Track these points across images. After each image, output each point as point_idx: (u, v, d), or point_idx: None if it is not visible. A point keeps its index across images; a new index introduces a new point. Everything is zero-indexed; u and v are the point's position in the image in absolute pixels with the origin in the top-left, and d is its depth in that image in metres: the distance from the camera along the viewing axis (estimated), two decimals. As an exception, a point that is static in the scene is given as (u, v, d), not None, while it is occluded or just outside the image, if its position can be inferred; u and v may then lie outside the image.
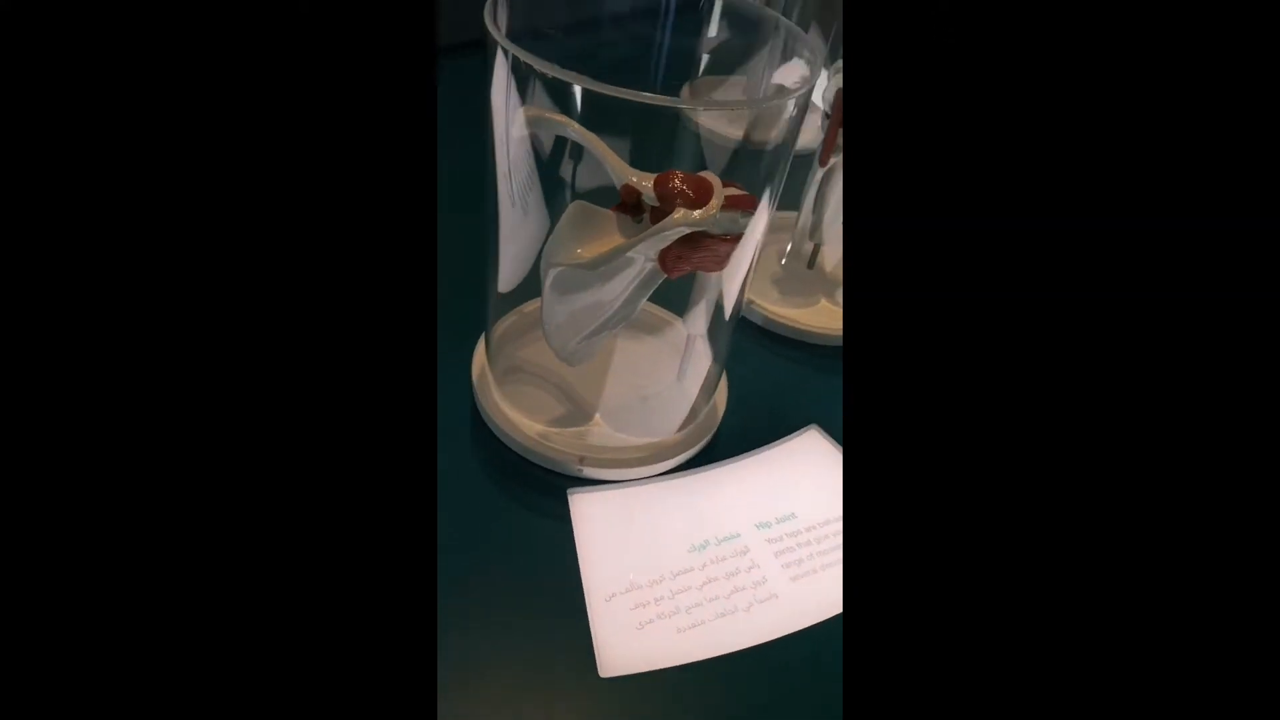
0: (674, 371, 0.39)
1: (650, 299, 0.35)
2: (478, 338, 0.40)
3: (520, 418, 0.37)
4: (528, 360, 0.40)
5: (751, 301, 0.46)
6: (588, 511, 0.35)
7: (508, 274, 0.34)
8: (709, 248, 0.32)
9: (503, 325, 0.40)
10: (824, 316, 0.46)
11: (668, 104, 0.27)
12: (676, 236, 0.30)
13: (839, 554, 0.35)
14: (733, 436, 0.40)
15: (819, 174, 0.43)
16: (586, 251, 0.30)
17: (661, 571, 0.33)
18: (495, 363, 0.39)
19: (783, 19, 0.30)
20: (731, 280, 0.34)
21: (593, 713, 0.29)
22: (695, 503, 0.36)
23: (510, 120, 0.29)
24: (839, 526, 0.36)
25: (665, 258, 0.32)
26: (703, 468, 0.38)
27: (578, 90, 0.27)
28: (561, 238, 0.30)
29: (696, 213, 0.29)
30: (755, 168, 0.31)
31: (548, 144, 0.30)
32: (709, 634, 0.31)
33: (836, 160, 0.42)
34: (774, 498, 0.37)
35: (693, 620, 0.32)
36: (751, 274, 0.35)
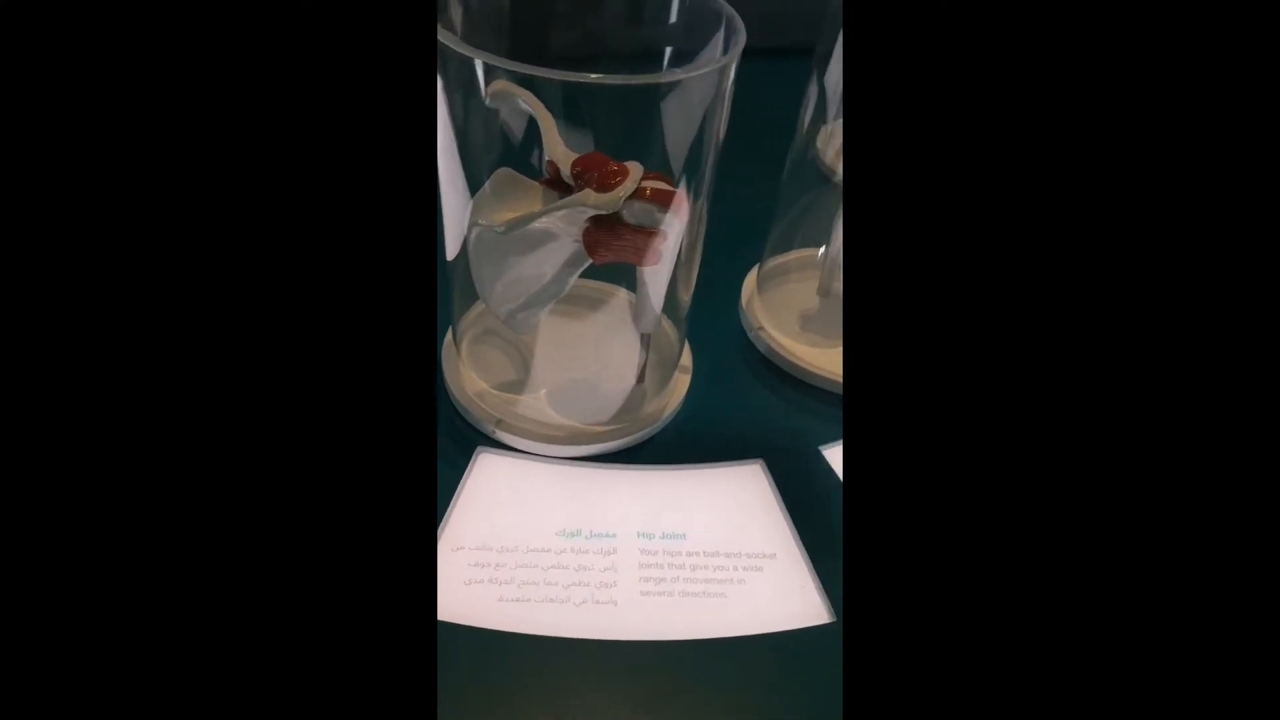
0: (611, 361, 0.39)
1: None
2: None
3: (469, 375, 0.39)
4: (501, 326, 0.42)
5: (762, 329, 0.44)
6: (486, 471, 0.36)
7: (449, 240, 0.36)
8: (626, 237, 0.32)
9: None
10: (834, 360, 0.43)
11: (559, 77, 0.27)
12: (583, 215, 0.31)
13: (705, 586, 0.33)
14: (671, 446, 0.39)
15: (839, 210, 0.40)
16: (505, 216, 0.32)
17: (519, 544, 0.33)
18: (474, 323, 0.41)
19: (727, 6, 0.30)
20: (656, 277, 0.33)
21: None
22: (590, 493, 0.36)
23: (448, 99, 0.31)
24: (724, 563, 0.34)
25: (587, 241, 0.32)
26: (619, 465, 0.37)
27: (478, 68, 0.28)
28: (484, 200, 0.32)
29: (595, 196, 0.30)
30: (695, 160, 0.31)
31: (495, 121, 0.32)
32: (525, 611, 0.31)
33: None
34: (672, 514, 0.35)
35: (519, 595, 0.31)
36: (686, 272, 0.34)
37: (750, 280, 0.47)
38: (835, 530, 0.35)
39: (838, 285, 0.44)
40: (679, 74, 0.29)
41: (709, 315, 0.46)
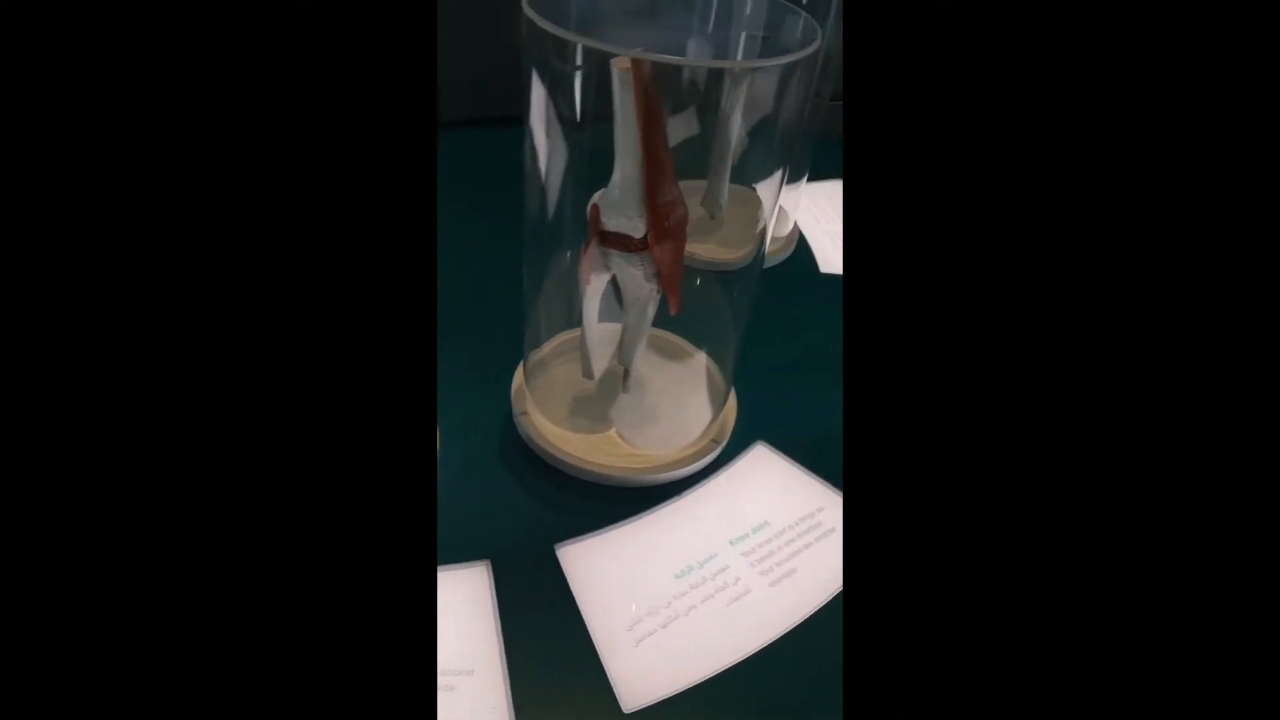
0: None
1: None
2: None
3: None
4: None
5: (525, 414, 0.42)
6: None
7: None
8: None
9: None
10: (589, 447, 0.41)
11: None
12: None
13: None
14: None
15: (584, 290, 0.39)
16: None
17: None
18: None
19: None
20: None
21: None
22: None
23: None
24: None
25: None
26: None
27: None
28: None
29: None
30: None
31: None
32: None
33: (602, 278, 0.38)
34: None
35: None
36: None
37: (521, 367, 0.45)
38: (547, 642, 0.33)
39: (598, 366, 0.43)
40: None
41: (476, 402, 0.44)
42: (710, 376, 0.46)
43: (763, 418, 0.45)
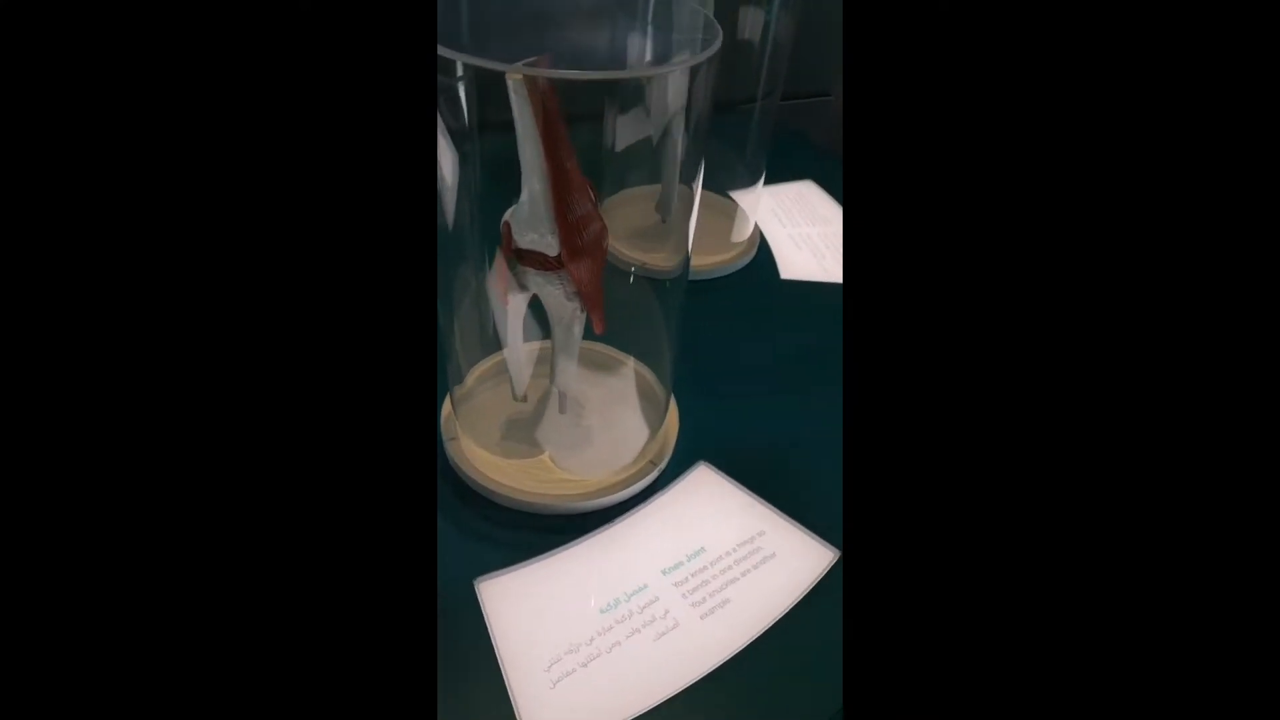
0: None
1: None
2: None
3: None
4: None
5: (454, 439, 0.41)
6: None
7: None
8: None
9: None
10: (519, 473, 0.39)
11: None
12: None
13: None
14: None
15: (500, 310, 0.37)
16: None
17: None
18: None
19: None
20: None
21: None
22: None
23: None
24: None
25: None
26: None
27: None
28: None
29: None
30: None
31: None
32: None
33: (521, 297, 0.36)
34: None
35: None
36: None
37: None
38: (456, 685, 0.31)
39: (528, 386, 0.41)
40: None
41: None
42: (648, 395, 0.44)
43: (708, 436, 0.43)
